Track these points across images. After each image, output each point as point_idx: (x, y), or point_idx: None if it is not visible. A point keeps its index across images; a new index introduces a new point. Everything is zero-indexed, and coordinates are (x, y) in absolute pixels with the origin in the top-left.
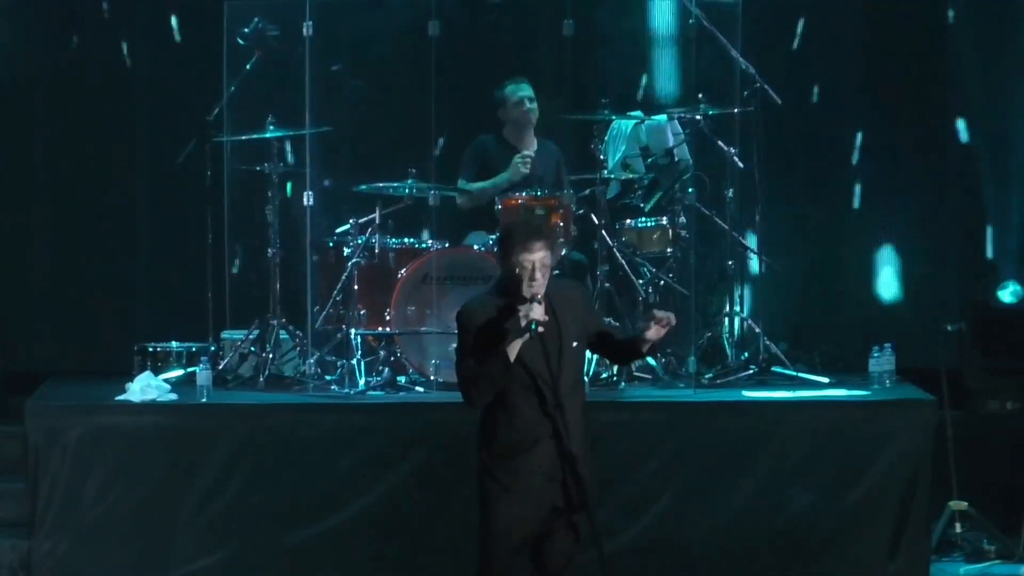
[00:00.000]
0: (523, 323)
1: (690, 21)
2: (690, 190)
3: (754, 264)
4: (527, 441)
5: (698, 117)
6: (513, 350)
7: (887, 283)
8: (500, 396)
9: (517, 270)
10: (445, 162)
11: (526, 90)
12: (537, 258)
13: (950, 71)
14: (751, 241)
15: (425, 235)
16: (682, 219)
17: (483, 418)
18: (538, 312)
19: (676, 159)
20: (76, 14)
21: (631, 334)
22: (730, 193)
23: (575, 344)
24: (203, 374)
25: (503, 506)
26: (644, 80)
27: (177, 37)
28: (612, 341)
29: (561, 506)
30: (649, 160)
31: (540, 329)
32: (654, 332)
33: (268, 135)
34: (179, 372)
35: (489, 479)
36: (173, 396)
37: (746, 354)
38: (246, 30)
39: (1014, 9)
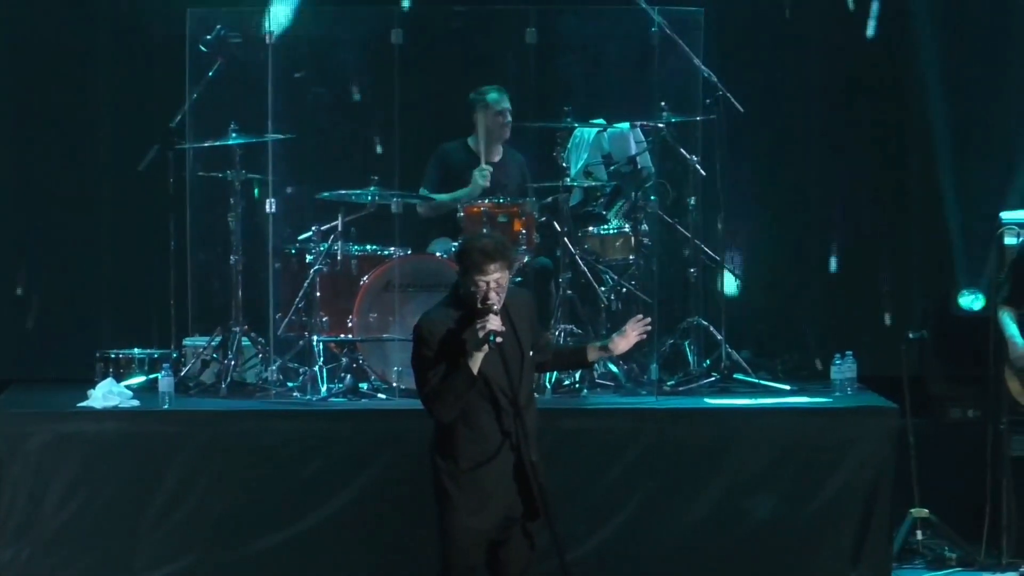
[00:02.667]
0: (480, 335)
1: (652, 29)
2: (652, 198)
3: (716, 272)
4: (488, 452)
5: (660, 125)
6: (475, 363)
7: (848, 290)
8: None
9: (472, 288)
10: (408, 170)
11: (507, 102)
12: (492, 279)
13: (913, 78)
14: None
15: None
16: (644, 227)
17: (440, 430)
18: (495, 323)
19: (639, 167)
20: (38, 20)
21: (583, 344)
22: (692, 201)
23: (531, 354)
24: (165, 381)
25: (464, 518)
26: (606, 88)
27: (140, 44)
28: (549, 357)
29: (517, 515)
30: (612, 168)
31: (499, 340)
32: (625, 344)
33: (230, 142)
34: (141, 379)
35: (449, 491)
36: (135, 403)
37: (708, 361)
38: (208, 37)
39: (976, 18)
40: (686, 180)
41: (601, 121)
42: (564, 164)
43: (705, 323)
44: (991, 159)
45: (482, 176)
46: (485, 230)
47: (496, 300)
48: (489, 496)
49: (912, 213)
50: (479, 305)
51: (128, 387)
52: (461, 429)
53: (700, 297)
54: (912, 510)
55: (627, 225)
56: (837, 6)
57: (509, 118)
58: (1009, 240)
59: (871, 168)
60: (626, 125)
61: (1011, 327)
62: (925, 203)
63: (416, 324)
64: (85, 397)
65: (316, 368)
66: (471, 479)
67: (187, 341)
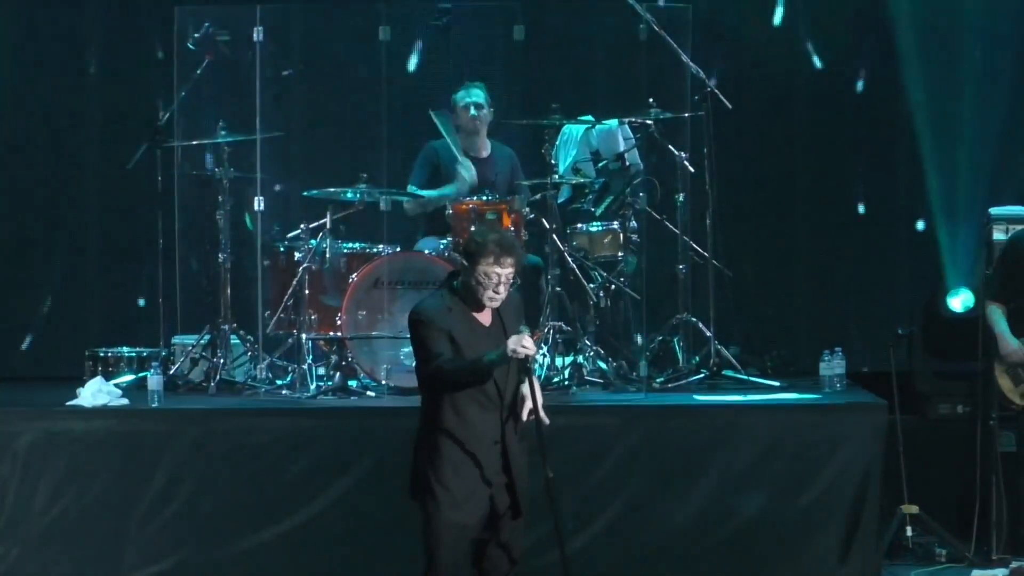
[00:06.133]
0: (517, 353)
1: (641, 26)
2: (641, 194)
3: (705, 268)
4: (476, 444)
5: (649, 122)
6: (495, 367)
7: (837, 286)
8: (452, 401)
9: (481, 279)
10: (396, 167)
11: (475, 96)
12: (504, 273)
13: (900, 72)
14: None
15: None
16: (633, 223)
17: (429, 422)
18: (531, 349)
19: (627, 164)
20: (26, 19)
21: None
22: (681, 197)
23: None
24: (154, 379)
25: (449, 513)
26: (595, 85)
27: (128, 41)
28: None
29: (502, 512)
30: (600, 165)
31: (530, 365)
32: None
33: (219, 140)
34: (130, 377)
35: (434, 486)
36: (124, 401)
37: (697, 358)
38: (196, 35)
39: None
40: (674, 176)
41: (589, 118)
42: (552, 161)
43: (694, 320)
44: (979, 154)
45: (466, 169)
46: (473, 227)
47: (501, 298)
48: (473, 491)
49: (902, 209)
50: (487, 295)
51: (117, 385)
52: (454, 423)
53: (689, 293)
54: (901, 506)
55: (615, 222)
56: (824, 4)
57: (473, 112)
58: (998, 235)
59: (859, 164)
60: (614, 122)
61: (1001, 323)
62: (913, 199)
63: (414, 311)
64: (74, 395)
65: (305, 366)
66: (459, 474)
67: (176, 339)
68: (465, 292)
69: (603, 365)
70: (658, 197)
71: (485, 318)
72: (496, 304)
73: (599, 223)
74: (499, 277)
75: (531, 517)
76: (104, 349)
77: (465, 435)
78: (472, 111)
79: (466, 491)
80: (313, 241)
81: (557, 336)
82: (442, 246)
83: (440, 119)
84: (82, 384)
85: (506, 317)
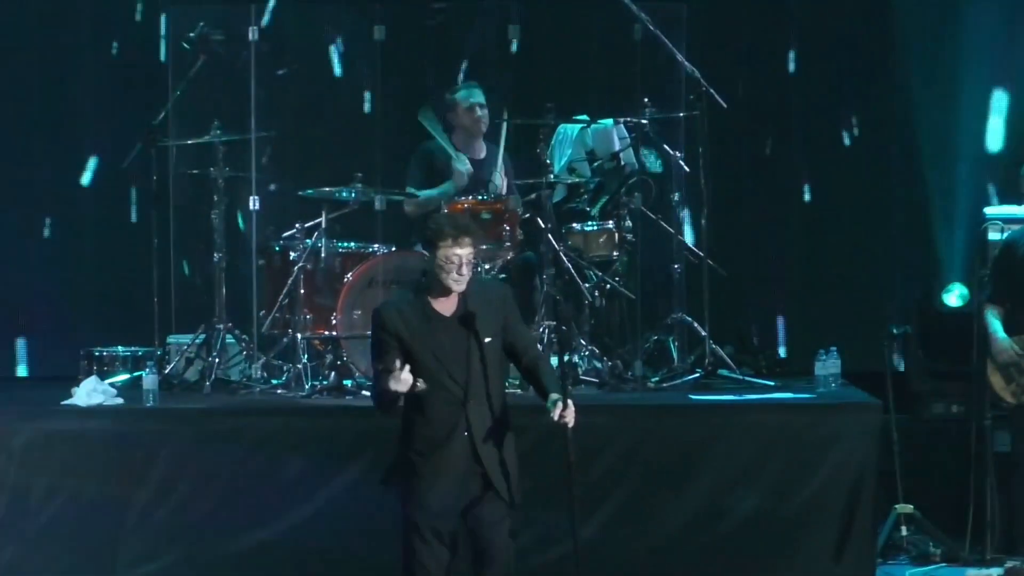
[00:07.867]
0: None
1: (636, 25)
2: (636, 194)
3: (699, 267)
4: (440, 435)
5: (644, 121)
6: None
7: (832, 286)
8: (413, 395)
9: (443, 263)
10: (391, 167)
11: (478, 96)
12: (464, 254)
13: (895, 71)
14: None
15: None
16: (628, 223)
17: (402, 416)
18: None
19: (622, 163)
20: (20, 15)
21: (548, 387)
22: (676, 197)
23: (488, 340)
24: (149, 379)
25: (421, 499)
26: (590, 84)
27: (122, 40)
28: (523, 361)
29: (484, 504)
30: (595, 164)
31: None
32: (555, 415)
33: (213, 139)
34: (125, 376)
35: (406, 477)
36: (119, 400)
37: (692, 357)
38: (191, 35)
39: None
40: (669, 176)
41: (584, 117)
42: (547, 160)
43: (689, 319)
44: (975, 154)
45: (461, 163)
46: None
47: (465, 278)
48: (446, 479)
49: (897, 208)
50: (452, 278)
51: (112, 385)
52: (418, 413)
53: (683, 293)
54: (896, 506)
55: (610, 221)
56: (821, 2)
57: (479, 112)
58: (993, 236)
59: (855, 163)
60: (609, 121)
61: (994, 323)
62: (909, 198)
63: (374, 311)
64: (69, 395)
65: (300, 365)
66: (429, 463)
67: (171, 339)
68: (431, 281)
69: (598, 364)
70: (653, 196)
71: (448, 307)
72: (460, 287)
73: (594, 223)
74: (459, 258)
75: (531, 516)
76: (99, 348)
77: (430, 430)
78: (477, 112)
79: (439, 480)
80: (308, 241)
81: (552, 336)
82: None
83: (427, 120)
84: (77, 383)
85: (479, 305)
